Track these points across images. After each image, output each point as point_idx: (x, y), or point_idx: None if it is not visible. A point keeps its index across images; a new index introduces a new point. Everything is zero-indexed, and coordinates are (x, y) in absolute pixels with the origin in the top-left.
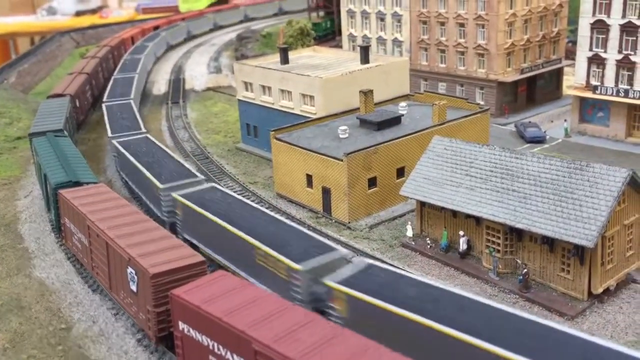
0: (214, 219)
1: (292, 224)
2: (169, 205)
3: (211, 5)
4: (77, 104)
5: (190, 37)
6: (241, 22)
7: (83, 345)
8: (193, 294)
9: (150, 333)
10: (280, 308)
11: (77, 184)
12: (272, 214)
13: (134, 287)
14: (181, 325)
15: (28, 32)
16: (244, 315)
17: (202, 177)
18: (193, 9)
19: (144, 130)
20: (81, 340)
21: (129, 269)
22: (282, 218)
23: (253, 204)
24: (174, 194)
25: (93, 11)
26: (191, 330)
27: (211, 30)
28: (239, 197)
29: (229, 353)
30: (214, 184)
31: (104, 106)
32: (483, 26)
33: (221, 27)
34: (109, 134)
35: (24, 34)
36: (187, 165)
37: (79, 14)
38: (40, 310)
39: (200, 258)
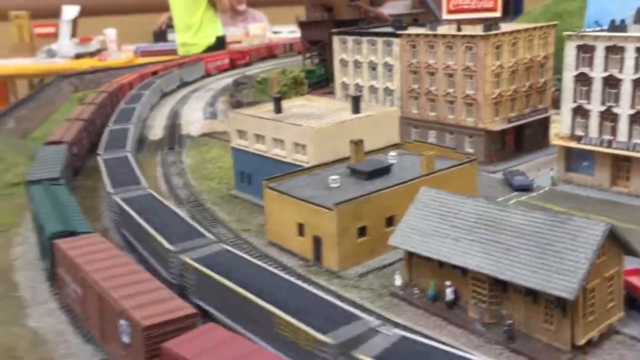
0: (231, 285)
1: (313, 289)
2: (178, 269)
3: (207, 50)
4: (75, 150)
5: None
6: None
7: None
8: (185, 347)
9: None
10: None
11: (73, 233)
12: (291, 278)
13: (125, 340)
14: None
15: (27, 75)
16: None
17: (213, 237)
18: (191, 52)
19: (145, 185)
20: None
21: (121, 321)
22: (300, 282)
23: (269, 267)
24: (185, 257)
25: (92, 54)
26: None
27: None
28: (253, 259)
29: None
30: (224, 245)
31: (99, 159)
32: (471, 77)
33: None
34: (109, 189)
35: (23, 76)
36: (195, 224)
37: (78, 56)
38: None
39: (192, 310)
